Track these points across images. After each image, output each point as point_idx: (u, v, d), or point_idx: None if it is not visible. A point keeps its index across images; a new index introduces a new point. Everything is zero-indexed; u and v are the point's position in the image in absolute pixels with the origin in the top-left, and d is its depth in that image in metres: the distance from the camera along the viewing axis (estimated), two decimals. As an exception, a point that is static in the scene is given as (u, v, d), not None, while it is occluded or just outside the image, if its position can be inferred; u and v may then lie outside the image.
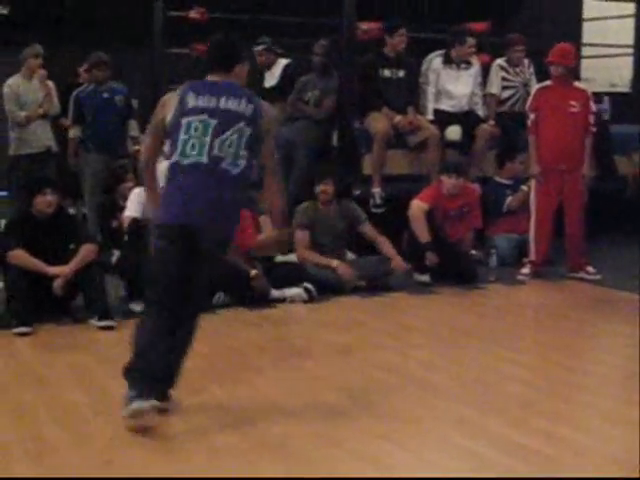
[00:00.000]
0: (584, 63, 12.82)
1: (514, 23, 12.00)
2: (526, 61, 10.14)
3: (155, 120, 5.07)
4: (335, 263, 7.84)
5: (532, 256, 8.57)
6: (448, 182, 8.35)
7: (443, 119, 9.49)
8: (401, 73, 9.35)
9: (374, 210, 8.93)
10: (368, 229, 8.14)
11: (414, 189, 8.60)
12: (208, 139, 4.77)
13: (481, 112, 9.77)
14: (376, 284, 7.91)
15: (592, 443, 4.52)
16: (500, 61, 10.10)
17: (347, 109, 9.48)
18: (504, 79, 10.06)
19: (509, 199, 9.22)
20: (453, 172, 8.39)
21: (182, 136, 4.80)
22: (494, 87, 10.02)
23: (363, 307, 7.47)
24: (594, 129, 8.61)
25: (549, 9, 13.37)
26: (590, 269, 8.52)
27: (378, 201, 9.05)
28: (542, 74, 9.40)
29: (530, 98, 8.74)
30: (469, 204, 8.55)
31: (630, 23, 13.65)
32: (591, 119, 8.58)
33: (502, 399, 5.16)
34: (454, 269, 8.23)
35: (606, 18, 13.14)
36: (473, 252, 8.73)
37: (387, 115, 9.22)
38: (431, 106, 9.57)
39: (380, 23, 9.72)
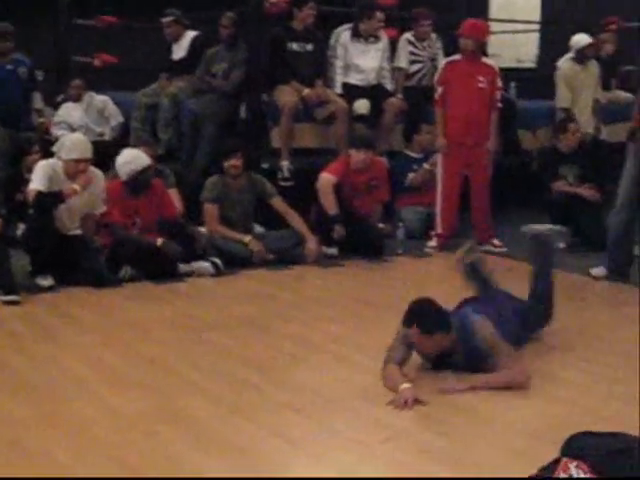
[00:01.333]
0: (491, 39, 12.91)
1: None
2: (434, 36, 10.20)
3: None
4: (247, 238, 7.82)
5: (439, 229, 8.66)
6: (357, 156, 8.36)
7: (351, 93, 9.50)
8: (309, 46, 9.33)
9: (282, 183, 8.92)
10: (278, 203, 8.12)
11: (322, 162, 8.60)
12: None
13: (389, 86, 9.80)
14: (284, 257, 7.92)
15: (502, 414, 4.57)
16: (408, 35, 10.14)
17: (255, 82, 9.45)
18: (412, 53, 10.10)
19: (410, 175, 9.27)
20: (362, 146, 8.40)
21: None
22: (402, 61, 10.06)
23: (271, 280, 7.46)
24: (500, 105, 8.72)
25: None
26: (496, 242, 8.64)
27: (286, 174, 9.04)
28: (450, 49, 9.47)
29: (438, 72, 8.80)
30: (377, 178, 8.59)
31: (536, 0, 13.84)
32: (498, 95, 8.68)
33: (410, 370, 5.19)
34: (362, 242, 8.26)
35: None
36: (381, 225, 8.77)
37: (295, 88, 9.20)
38: (339, 80, 9.58)
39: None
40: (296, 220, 8.03)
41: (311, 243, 7.93)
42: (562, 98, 10.14)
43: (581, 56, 10.14)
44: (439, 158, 8.65)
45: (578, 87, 10.11)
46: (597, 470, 2.44)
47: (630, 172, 7.30)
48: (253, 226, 8.24)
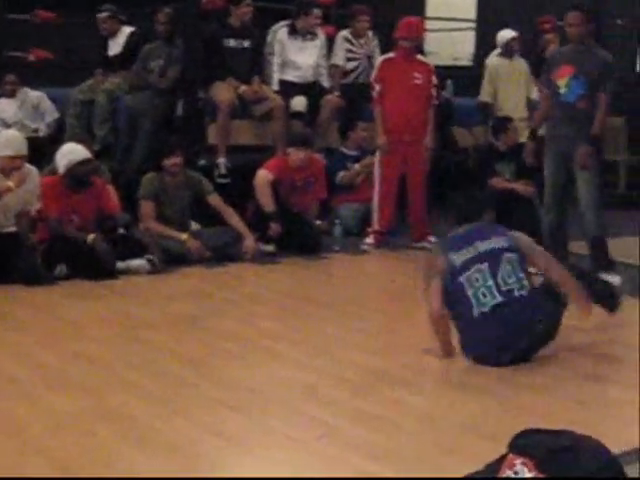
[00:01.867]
0: (428, 37, 13.00)
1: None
2: (370, 33, 10.23)
3: None
4: (184, 236, 7.77)
5: (376, 226, 8.69)
6: (295, 154, 8.36)
7: (288, 90, 9.50)
8: (246, 43, 9.31)
9: (219, 180, 8.89)
10: (215, 200, 8.09)
11: (260, 159, 8.60)
12: None
13: (326, 83, 9.82)
14: (222, 254, 7.89)
15: (439, 410, 4.61)
16: (345, 33, 10.16)
17: (192, 78, 9.41)
18: (349, 51, 10.13)
19: (341, 174, 9.26)
20: (300, 144, 8.40)
21: None
22: (339, 58, 10.09)
23: (208, 277, 7.44)
24: (436, 102, 8.78)
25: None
26: (432, 238, 8.69)
27: (223, 171, 9.02)
28: (387, 46, 9.51)
29: (375, 69, 8.83)
30: (314, 175, 8.59)
31: (472, -2, 13.96)
32: (433, 92, 8.74)
33: (347, 367, 5.20)
34: (299, 239, 8.26)
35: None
36: (318, 222, 8.78)
37: (232, 85, 9.18)
38: (276, 76, 9.58)
39: (225, -7, 9.65)
40: (233, 217, 8.01)
41: (248, 240, 7.92)
42: (484, 92, 10.36)
43: (507, 51, 10.31)
44: (377, 155, 8.67)
45: (504, 81, 10.25)
46: (542, 467, 2.46)
47: (548, 172, 7.51)
48: (190, 223, 8.21)
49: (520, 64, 10.39)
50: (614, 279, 6.94)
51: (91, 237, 7.24)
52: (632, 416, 4.41)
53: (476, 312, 5.19)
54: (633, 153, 12.15)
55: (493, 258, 5.27)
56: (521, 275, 5.27)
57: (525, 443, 2.56)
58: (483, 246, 5.31)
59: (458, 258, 5.29)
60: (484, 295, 5.21)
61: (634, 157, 12.12)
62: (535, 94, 10.45)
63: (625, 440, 3.97)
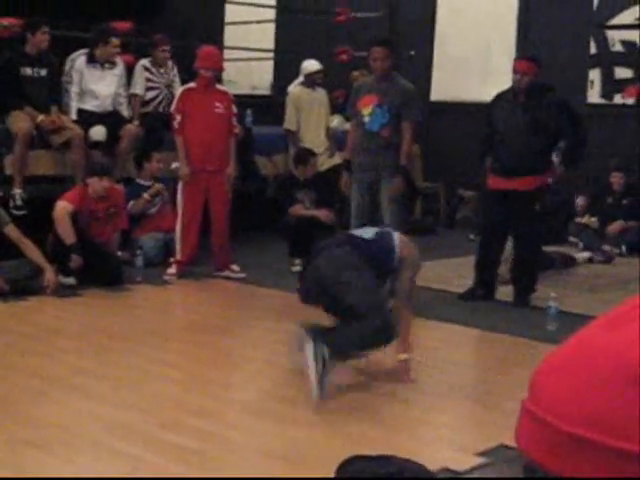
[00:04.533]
0: (226, 66, 13.07)
1: (158, 24, 12.03)
2: (170, 62, 10.23)
3: None
4: None
5: (178, 256, 8.65)
6: (95, 184, 8.23)
7: (87, 119, 9.36)
8: (43, 72, 9.12)
9: (15, 212, 8.63)
10: (12, 232, 7.85)
11: (59, 190, 8.43)
12: None
13: (126, 112, 9.74)
14: (19, 288, 7.67)
15: (242, 438, 4.63)
16: (144, 62, 10.12)
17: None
18: (148, 80, 10.10)
19: (131, 203, 9.06)
20: (100, 174, 8.29)
21: None
22: (138, 87, 10.03)
23: (7, 312, 7.18)
24: (237, 131, 8.85)
25: (191, 11, 13.54)
26: (235, 267, 8.72)
27: (19, 202, 8.77)
28: (187, 75, 9.52)
29: (176, 100, 8.78)
30: (115, 205, 8.49)
31: (271, 28, 14.12)
32: (234, 120, 8.80)
33: (153, 399, 5.17)
34: (100, 271, 8.12)
35: (247, 23, 13.46)
36: (119, 253, 8.69)
37: (29, 114, 8.98)
38: (75, 105, 9.43)
39: (22, 20, 9.44)
40: (31, 250, 7.81)
41: (49, 273, 7.72)
42: (289, 120, 10.55)
43: (310, 81, 10.55)
44: (180, 185, 8.63)
45: (306, 110, 10.46)
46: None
47: (354, 200, 7.77)
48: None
49: (321, 94, 10.62)
50: None
51: None
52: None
53: None
54: (427, 180, 12.53)
55: None
56: None
57: (353, 470, 2.61)
58: None
59: None
60: None
61: (429, 184, 12.50)
62: (337, 122, 10.76)
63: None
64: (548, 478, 0.96)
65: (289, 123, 10.53)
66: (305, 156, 9.40)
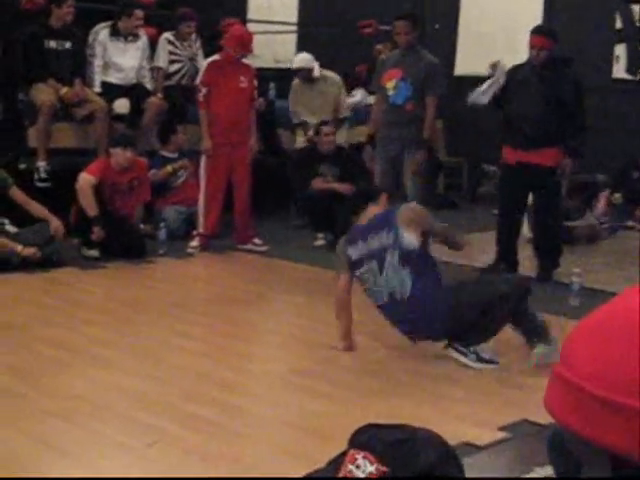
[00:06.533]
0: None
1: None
2: (193, 36, 10.20)
3: None
4: (19, 248, 7.48)
5: (201, 229, 8.67)
6: (118, 155, 8.26)
7: (111, 92, 9.39)
8: (67, 44, 9.14)
9: (39, 184, 8.70)
10: (16, 193, 7.76)
11: (82, 162, 8.46)
12: None
13: (149, 85, 9.75)
14: (47, 255, 7.63)
15: (264, 410, 4.65)
16: (168, 35, 10.10)
17: (11, 80, 9.19)
18: (171, 53, 10.08)
19: (152, 172, 9.08)
20: (123, 145, 8.31)
21: None
22: (161, 60, 10.03)
23: (31, 285, 7.21)
24: (257, 104, 8.85)
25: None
26: (257, 241, 8.74)
27: (43, 175, 8.82)
28: (210, 47, 9.50)
29: (201, 72, 8.74)
30: (138, 177, 8.51)
31: (294, 1, 14.07)
32: (255, 94, 8.80)
33: (175, 371, 5.20)
34: (123, 243, 8.16)
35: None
36: (142, 226, 8.72)
37: (53, 87, 9.01)
38: (98, 78, 9.45)
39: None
40: (35, 207, 7.74)
41: (54, 222, 7.66)
42: (293, 113, 10.35)
43: (301, 76, 10.29)
44: (203, 158, 8.63)
45: (306, 103, 10.28)
46: (383, 460, 2.53)
47: (377, 173, 7.78)
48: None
49: (321, 86, 10.26)
50: None
51: None
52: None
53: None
54: (450, 154, 12.50)
55: (379, 257, 5.41)
56: (403, 274, 5.35)
57: (365, 438, 2.63)
58: (373, 242, 5.44)
59: (354, 253, 5.49)
60: (374, 293, 5.48)
61: (452, 159, 12.47)
62: (357, 97, 10.71)
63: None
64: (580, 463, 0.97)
65: (294, 115, 10.38)
66: (318, 126, 9.47)
